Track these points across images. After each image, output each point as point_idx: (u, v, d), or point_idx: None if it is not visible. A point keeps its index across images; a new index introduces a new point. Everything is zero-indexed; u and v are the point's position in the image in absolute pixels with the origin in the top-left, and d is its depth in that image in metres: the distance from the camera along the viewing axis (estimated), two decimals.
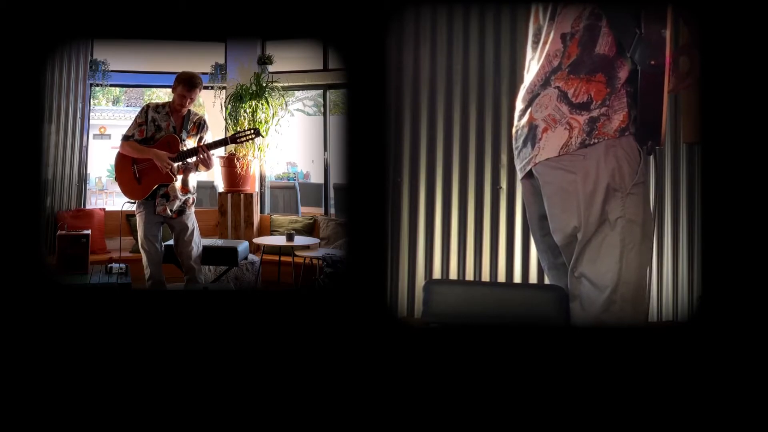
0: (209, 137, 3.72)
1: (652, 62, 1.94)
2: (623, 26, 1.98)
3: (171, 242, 3.77)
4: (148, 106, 3.68)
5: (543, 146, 2.05)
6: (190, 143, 3.63)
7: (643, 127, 1.99)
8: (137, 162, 3.60)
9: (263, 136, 4.01)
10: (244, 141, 3.84)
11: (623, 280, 2.01)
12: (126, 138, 3.65)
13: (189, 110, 3.67)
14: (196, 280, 3.69)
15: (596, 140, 2.00)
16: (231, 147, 4.97)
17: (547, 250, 2.26)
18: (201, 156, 3.55)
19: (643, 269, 2.09)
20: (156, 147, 3.57)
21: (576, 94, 2.01)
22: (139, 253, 3.70)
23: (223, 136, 4.39)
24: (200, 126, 3.69)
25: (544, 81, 2.07)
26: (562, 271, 2.21)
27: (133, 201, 3.65)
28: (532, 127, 2.08)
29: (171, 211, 3.60)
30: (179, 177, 3.61)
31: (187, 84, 3.57)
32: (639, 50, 1.97)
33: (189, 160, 3.60)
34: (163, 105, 3.68)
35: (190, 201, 3.70)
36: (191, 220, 3.70)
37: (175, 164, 3.57)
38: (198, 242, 3.75)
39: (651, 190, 3.87)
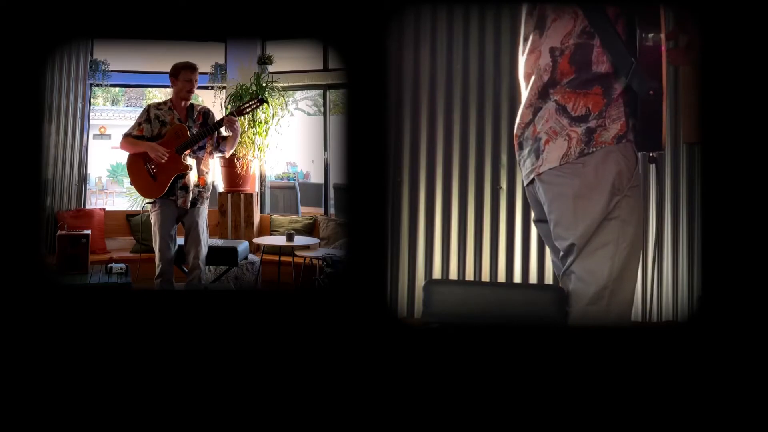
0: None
1: (651, 92, 2.00)
2: (618, 54, 2.04)
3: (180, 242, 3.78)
4: (149, 106, 3.73)
5: (546, 157, 2.13)
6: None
7: (644, 142, 2.07)
8: (149, 161, 3.60)
9: (267, 103, 4.03)
10: (250, 111, 3.85)
11: (613, 277, 2.05)
12: (124, 135, 3.70)
13: (191, 104, 3.70)
14: (199, 280, 3.70)
15: (594, 149, 2.06)
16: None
17: (555, 251, 2.29)
18: (216, 132, 3.59)
19: (633, 270, 2.12)
20: (165, 140, 3.59)
21: (575, 108, 2.09)
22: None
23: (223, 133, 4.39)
24: (206, 115, 3.72)
25: (540, 95, 2.15)
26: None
27: (153, 200, 3.65)
28: (536, 139, 2.17)
29: (189, 202, 3.62)
30: (194, 167, 3.62)
31: (189, 68, 3.67)
32: (636, 80, 2.02)
33: (201, 145, 3.61)
34: (164, 102, 3.73)
35: (205, 195, 3.71)
36: (202, 217, 3.72)
37: (187, 152, 3.59)
38: (206, 242, 3.76)
39: (651, 191, 3.89)
